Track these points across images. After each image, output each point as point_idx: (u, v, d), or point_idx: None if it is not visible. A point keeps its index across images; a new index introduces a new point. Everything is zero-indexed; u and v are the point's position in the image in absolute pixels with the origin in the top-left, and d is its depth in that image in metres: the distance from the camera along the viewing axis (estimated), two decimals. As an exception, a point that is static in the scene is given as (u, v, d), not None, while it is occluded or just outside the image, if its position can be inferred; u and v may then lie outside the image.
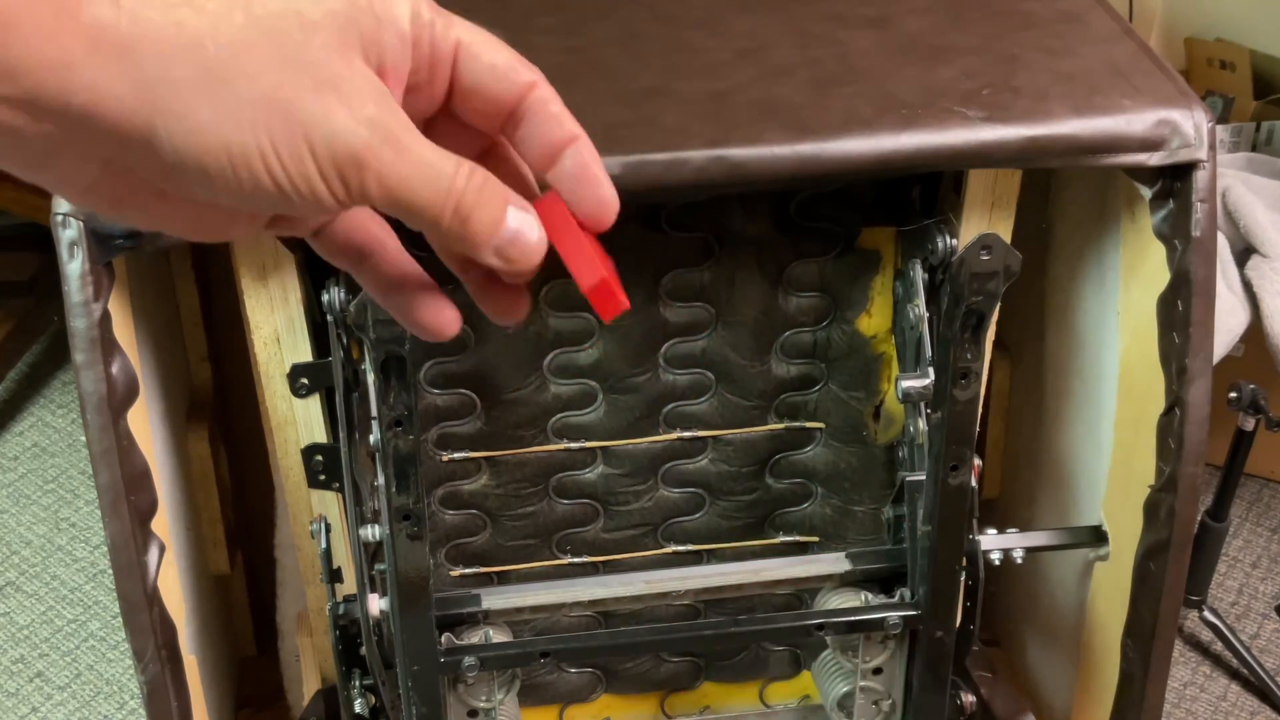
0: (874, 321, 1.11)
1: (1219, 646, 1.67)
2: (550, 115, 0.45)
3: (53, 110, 0.39)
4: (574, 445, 1.13)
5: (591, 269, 0.46)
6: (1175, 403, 1.05)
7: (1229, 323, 1.56)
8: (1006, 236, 1.04)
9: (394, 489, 0.93)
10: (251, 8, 0.40)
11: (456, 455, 1.11)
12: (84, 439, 0.93)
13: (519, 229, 0.44)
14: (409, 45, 0.43)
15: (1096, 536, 1.19)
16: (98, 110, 0.39)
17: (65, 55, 0.38)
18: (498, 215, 0.44)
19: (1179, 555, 1.09)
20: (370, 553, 1.01)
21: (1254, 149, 1.95)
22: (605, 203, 0.46)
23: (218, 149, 0.39)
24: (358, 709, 1.07)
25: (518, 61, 0.45)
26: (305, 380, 1.05)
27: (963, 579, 1.07)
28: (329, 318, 0.97)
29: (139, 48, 0.39)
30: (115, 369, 0.93)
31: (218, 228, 0.46)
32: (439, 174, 0.42)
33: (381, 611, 1.01)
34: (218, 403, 1.37)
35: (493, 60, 0.45)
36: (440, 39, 0.44)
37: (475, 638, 1.07)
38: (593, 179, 0.46)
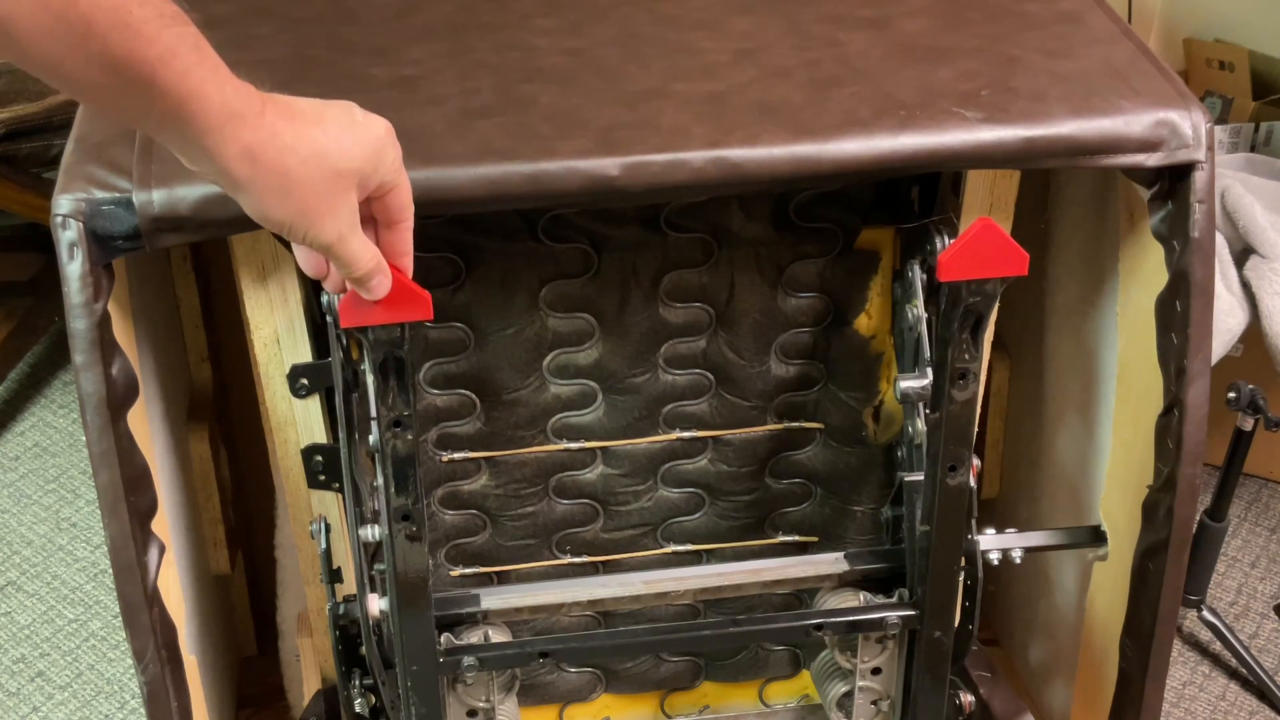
0: (873, 322, 1.11)
1: (1218, 646, 1.67)
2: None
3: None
4: (574, 445, 1.13)
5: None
6: (1174, 403, 1.05)
7: (1228, 323, 1.56)
8: (1005, 237, 1.04)
9: (393, 489, 0.93)
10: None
11: (456, 455, 1.11)
12: (85, 439, 0.93)
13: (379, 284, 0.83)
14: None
15: (1095, 536, 1.19)
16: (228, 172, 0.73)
17: (227, 152, 0.71)
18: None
19: (1178, 555, 1.09)
20: (370, 553, 1.01)
21: (1253, 149, 1.95)
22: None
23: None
24: (358, 709, 1.07)
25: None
26: (305, 381, 1.05)
27: (961, 579, 1.07)
28: (328, 319, 0.97)
29: (263, 157, 0.72)
30: (115, 370, 0.93)
31: None
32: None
33: (381, 611, 1.01)
34: (218, 403, 1.37)
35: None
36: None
37: (474, 638, 1.07)
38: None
